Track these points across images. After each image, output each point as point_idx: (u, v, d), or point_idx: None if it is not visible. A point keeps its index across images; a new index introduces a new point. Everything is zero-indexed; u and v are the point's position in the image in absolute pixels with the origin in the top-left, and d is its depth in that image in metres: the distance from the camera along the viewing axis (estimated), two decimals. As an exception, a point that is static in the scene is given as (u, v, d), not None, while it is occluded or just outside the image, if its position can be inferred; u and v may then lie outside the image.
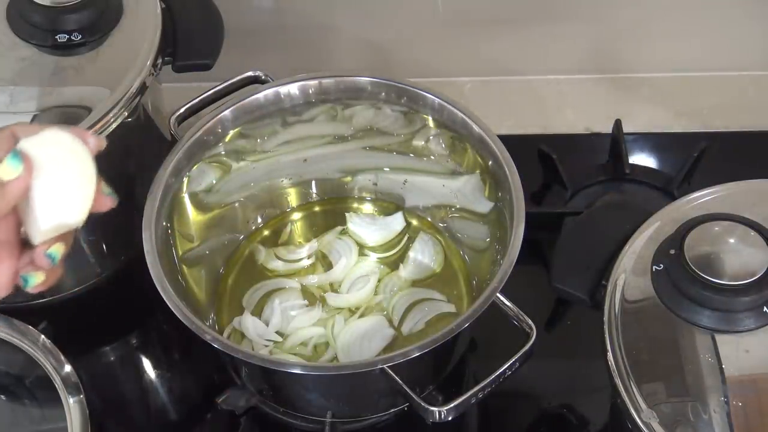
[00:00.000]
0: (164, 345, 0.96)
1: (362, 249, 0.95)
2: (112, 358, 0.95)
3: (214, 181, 0.91)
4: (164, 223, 0.82)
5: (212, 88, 0.89)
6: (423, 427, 0.82)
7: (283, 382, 0.82)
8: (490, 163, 0.85)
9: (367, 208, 0.99)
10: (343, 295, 0.91)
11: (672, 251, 0.69)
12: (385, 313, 0.89)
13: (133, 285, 0.91)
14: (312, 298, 0.91)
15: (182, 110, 0.87)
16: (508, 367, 0.73)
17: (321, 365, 0.83)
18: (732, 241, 0.69)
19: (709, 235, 0.69)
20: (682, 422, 0.65)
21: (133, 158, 0.91)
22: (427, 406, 0.72)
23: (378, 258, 0.94)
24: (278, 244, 0.96)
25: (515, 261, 0.76)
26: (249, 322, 0.88)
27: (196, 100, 0.88)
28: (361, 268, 0.93)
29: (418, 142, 0.92)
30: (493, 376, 0.73)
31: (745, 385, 0.67)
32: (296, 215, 0.99)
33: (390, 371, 0.72)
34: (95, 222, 0.88)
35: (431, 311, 0.89)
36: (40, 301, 0.91)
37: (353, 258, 0.93)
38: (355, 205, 0.99)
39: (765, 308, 0.67)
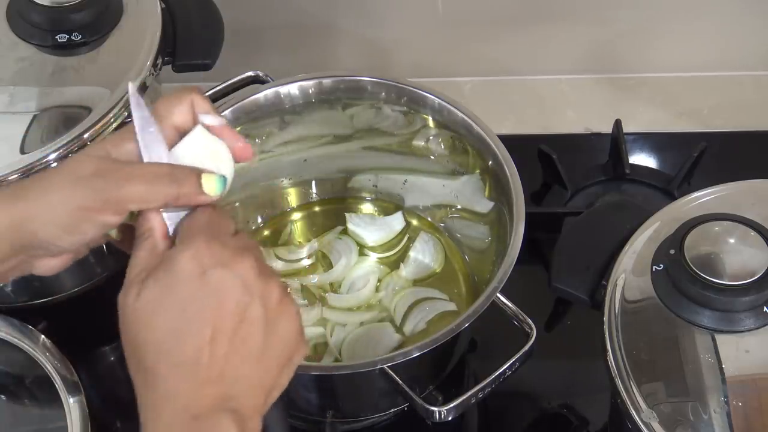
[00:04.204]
0: (164, 345, 0.96)
1: (362, 249, 0.95)
2: (112, 358, 0.95)
3: (214, 181, 0.91)
4: (164, 223, 0.82)
5: (212, 88, 0.89)
6: (423, 427, 0.82)
7: (283, 382, 0.82)
8: (490, 163, 0.85)
9: (367, 208, 0.99)
10: (343, 295, 0.91)
11: (672, 251, 0.69)
12: (387, 313, 0.89)
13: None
14: (312, 298, 0.91)
15: (182, 110, 0.87)
16: (508, 367, 0.73)
17: (321, 365, 0.83)
18: (732, 241, 0.69)
19: (709, 235, 0.69)
20: (682, 422, 0.65)
21: (133, 158, 0.91)
22: (427, 406, 0.72)
23: (378, 258, 0.94)
24: (278, 244, 0.96)
25: (515, 261, 0.76)
26: (249, 322, 0.88)
27: (196, 100, 0.88)
28: (361, 268, 0.93)
29: (418, 142, 0.92)
30: (493, 376, 0.73)
31: (745, 385, 0.66)
32: (296, 215, 0.99)
33: (390, 371, 0.72)
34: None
35: (432, 310, 0.89)
36: (40, 301, 0.91)
37: (353, 258, 0.93)
38: (355, 205, 0.99)
39: (765, 308, 0.67)
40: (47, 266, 0.60)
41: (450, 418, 0.72)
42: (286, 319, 0.55)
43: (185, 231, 0.56)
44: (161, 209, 0.57)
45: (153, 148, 0.57)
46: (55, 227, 0.56)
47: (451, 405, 0.72)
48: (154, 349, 0.53)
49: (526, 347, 0.74)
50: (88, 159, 0.57)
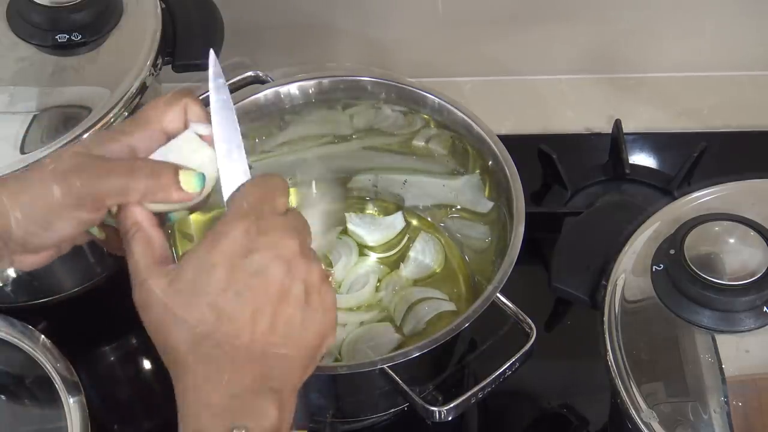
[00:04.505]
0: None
1: (362, 249, 0.95)
2: (112, 358, 0.95)
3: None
4: (164, 223, 0.82)
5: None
6: (423, 427, 0.82)
7: (283, 382, 0.82)
8: (490, 163, 0.85)
9: (367, 208, 0.99)
10: (343, 295, 0.91)
11: (672, 251, 0.69)
12: (386, 313, 0.89)
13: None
14: (312, 298, 0.91)
15: (182, 110, 0.87)
16: (508, 367, 0.73)
17: (321, 365, 0.83)
18: (732, 241, 0.69)
19: (709, 235, 0.69)
20: (682, 422, 0.65)
21: (133, 158, 0.91)
22: (427, 406, 0.72)
23: (378, 258, 0.94)
24: (278, 244, 0.96)
25: (515, 261, 0.76)
26: (249, 322, 0.88)
27: (196, 100, 0.88)
28: (361, 267, 0.93)
29: (418, 142, 0.92)
30: (493, 376, 0.73)
31: (745, 385, 0.66)
32: (296, 215, 0.98)
33: (390, 371, 0.72)
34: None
35: (432, 310, 0.89)
36: (40, 301, 0.91)
37: (353, 258, 0.93)
38: (355, 205, 0.99)
39: (765, 308, 0.67)
40: (26, 262, 0.60)
41: (450, 418, 0.72)
42: (324, 304, 0.56)
43: (237, 203, 0.57)
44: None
45: (227, 121, 0.59)
46: (29, 223, 0.56)
47: (451, 405, 0.72)
48: (187, 336, 0.53)
49: (526, 347, 0.74)
50: (67, 156, 0.56)
